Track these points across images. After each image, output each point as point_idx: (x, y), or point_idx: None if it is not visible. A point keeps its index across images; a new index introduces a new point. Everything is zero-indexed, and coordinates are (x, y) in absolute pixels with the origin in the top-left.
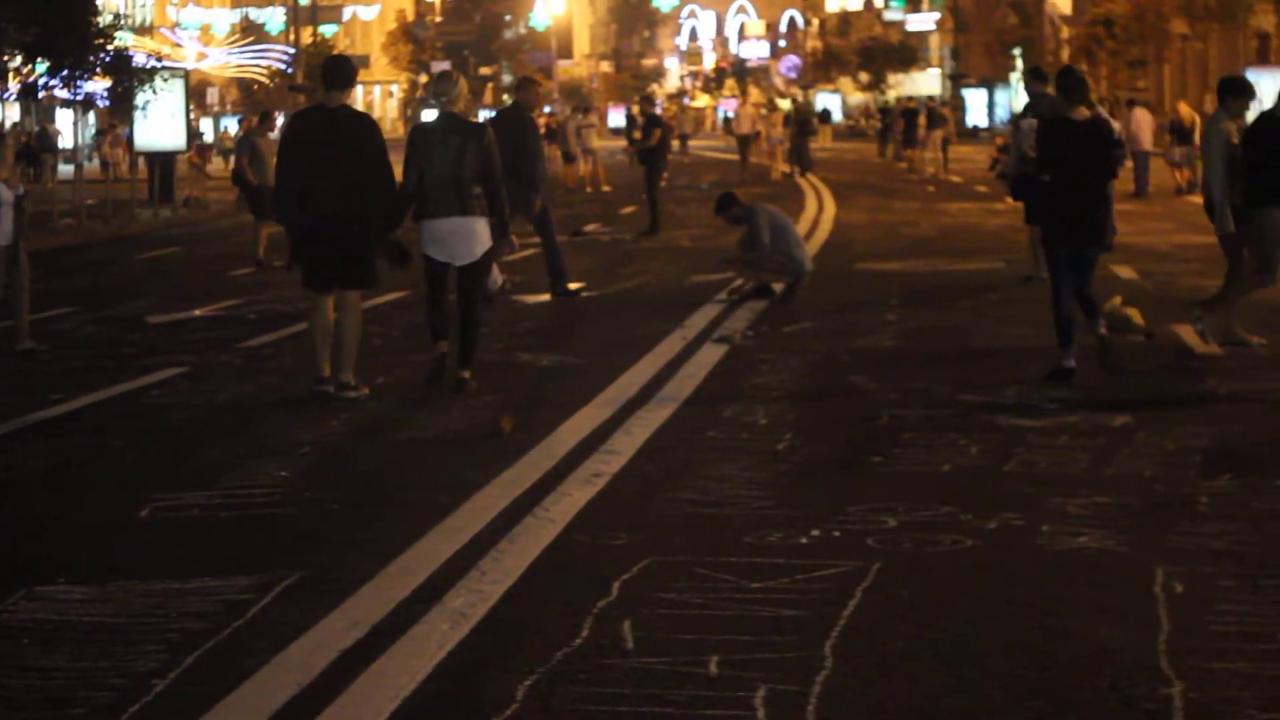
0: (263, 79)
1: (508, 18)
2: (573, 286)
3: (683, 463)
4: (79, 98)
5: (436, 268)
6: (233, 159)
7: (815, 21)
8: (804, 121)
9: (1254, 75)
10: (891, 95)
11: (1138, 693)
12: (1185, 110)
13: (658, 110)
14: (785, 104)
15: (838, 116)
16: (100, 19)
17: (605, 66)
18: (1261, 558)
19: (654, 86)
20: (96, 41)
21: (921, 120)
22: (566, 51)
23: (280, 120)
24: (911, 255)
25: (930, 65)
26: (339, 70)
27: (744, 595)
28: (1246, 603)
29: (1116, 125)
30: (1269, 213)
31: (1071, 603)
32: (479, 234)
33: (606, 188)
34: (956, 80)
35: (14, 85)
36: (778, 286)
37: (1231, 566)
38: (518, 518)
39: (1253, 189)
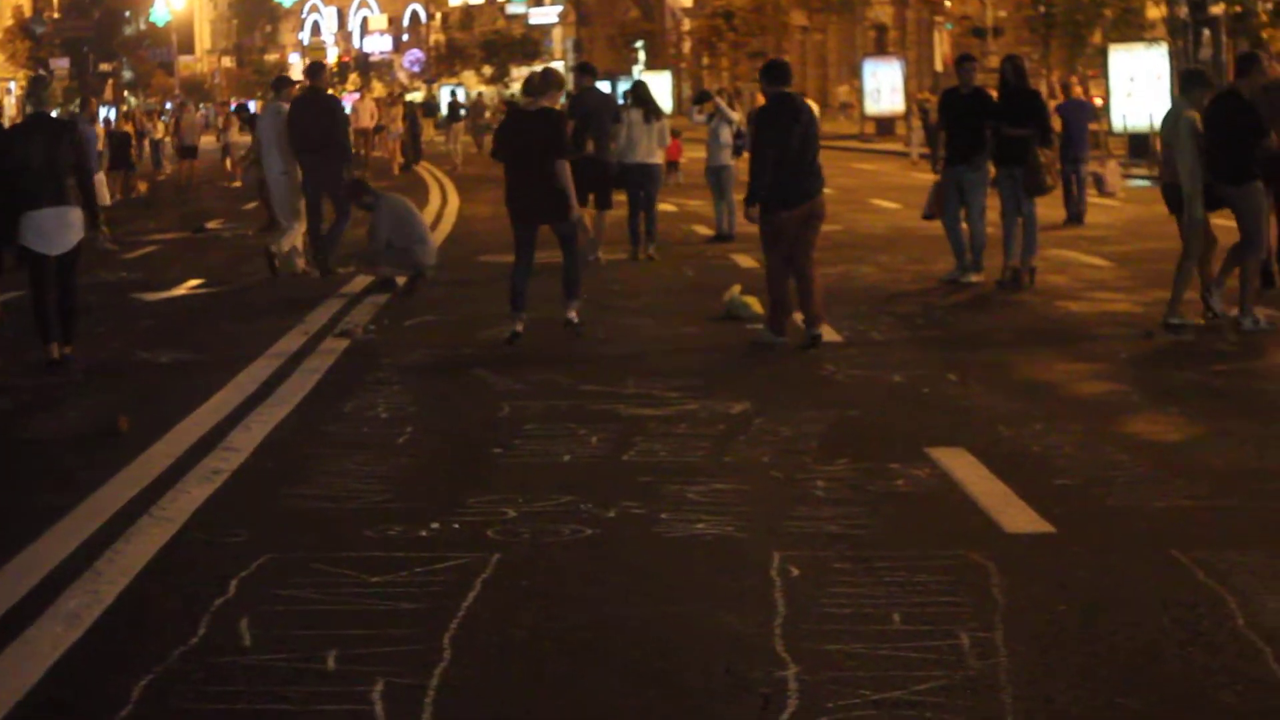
0: None
1: (127, 14)
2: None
3: (303, 458)
4: None
5: (40, 260)
6: None
7: (438, 15)
8: (413, 116)
9: (872, 65)
10: (515, 88)
11: (753, 676)
12: None
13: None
14: (416, 97)
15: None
16: None
17: (227, 62)
18: (876, 540)
19: None
20: None
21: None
22: (188, 47)
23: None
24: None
25: (553, 58)
26: None
27: (363, 590)
28: (861, 585)
29: (738, 116)
30: (1251, 187)
31: (689, 588)
32: (75, 223)
33: (237, 183)
34: (583, 70)
35: None
36: (401, 280)
37: (847, 549)
38: (135, 517)
39: (1234, 165)
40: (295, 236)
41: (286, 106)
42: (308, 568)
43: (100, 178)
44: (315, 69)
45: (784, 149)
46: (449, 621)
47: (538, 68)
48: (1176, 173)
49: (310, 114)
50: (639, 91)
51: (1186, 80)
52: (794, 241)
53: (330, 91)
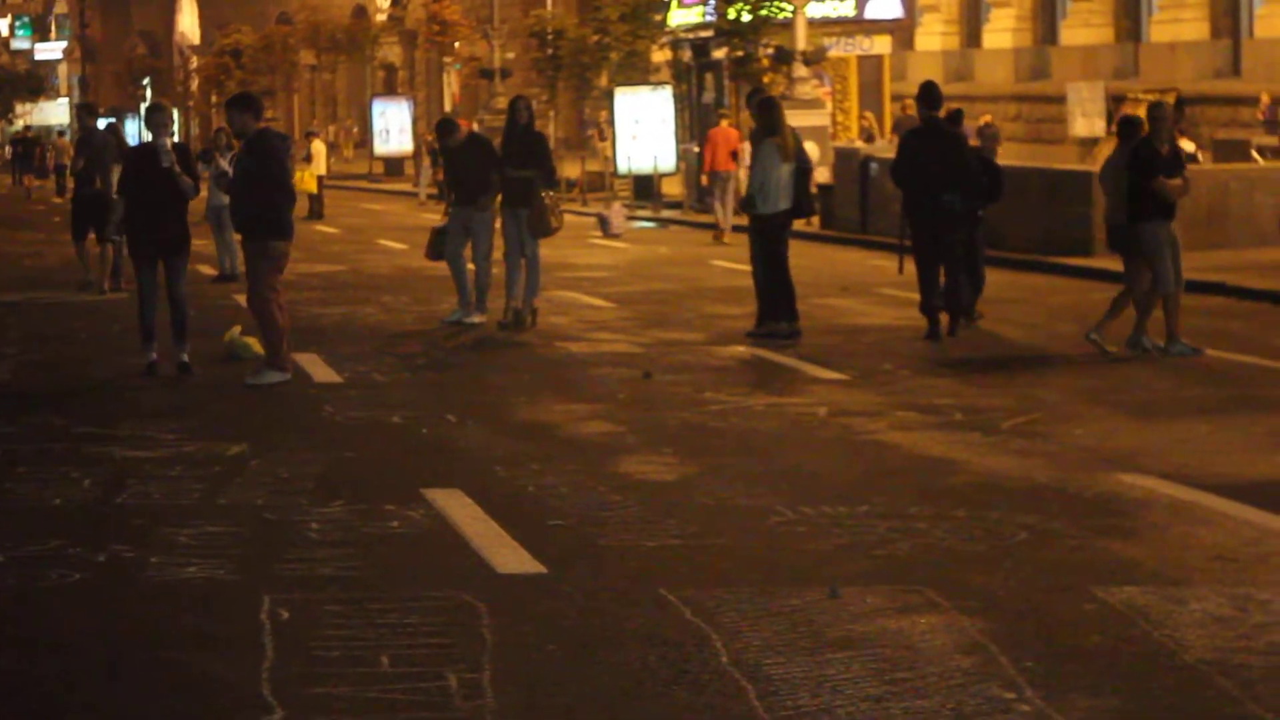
0: None
1: None
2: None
3: None
4: None
5: None
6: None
7: None
8: None
9: (381, 105)
10: (20, 124)
11: None
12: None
13: None
14: None
15: None
16: None
17: None
18: (368, 582)
19: None
20: None
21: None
22: None
23: None
24: (35, 286)
25: (59, 94)
26: None
27: None
28: (351, 627)
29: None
30: (1145, 226)
31: (178, 634)
32: None
33: None
34: (86, 109)
35: None
36: None
37: (339, 591)
38: None
39: (1133, 207)
40: None
41: None
42: None
43: None
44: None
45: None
46: None
47: (44, 104)
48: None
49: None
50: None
51: (1133, 127)
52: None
53: None
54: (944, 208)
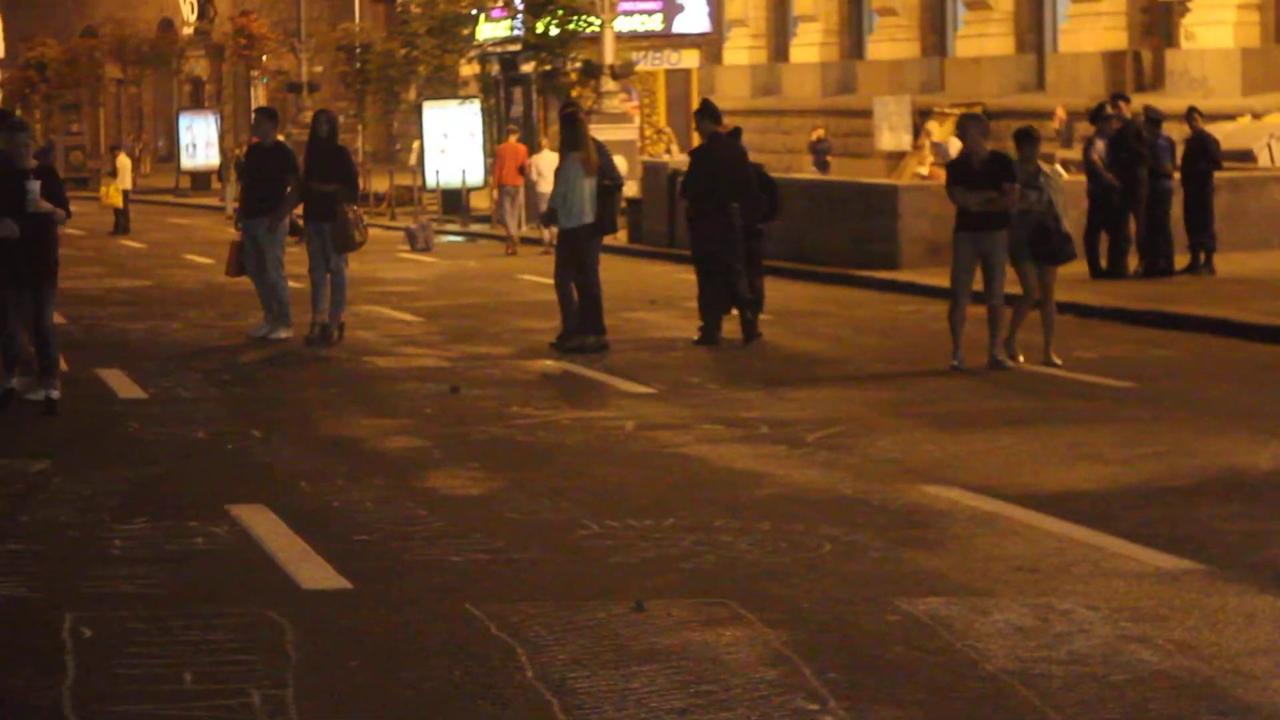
0: None
1: None
2: None
3: None
4: None
5: None
6: None
7: None
8: None
9: (187, 119)
10: None
11: None
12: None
13: None
14: None
15: None
16: None
17: None
18: (171, 599)
19: None
20: None
21: None
22: None
23: None
24: None
25: None
26: None
27: None
28: (155, 645)
29: None
30: (953, 236)
31: None
32: None
33: None
34: None
35: None
36: None
37: (142, 609)
38: None
39: None
40: None
41: None
42: None
43: None
44: None
45: None
46: None
47: None
48: None
49: None
50: None
51: (1024, 139)
52: None
53: None
54: (729, 219)
